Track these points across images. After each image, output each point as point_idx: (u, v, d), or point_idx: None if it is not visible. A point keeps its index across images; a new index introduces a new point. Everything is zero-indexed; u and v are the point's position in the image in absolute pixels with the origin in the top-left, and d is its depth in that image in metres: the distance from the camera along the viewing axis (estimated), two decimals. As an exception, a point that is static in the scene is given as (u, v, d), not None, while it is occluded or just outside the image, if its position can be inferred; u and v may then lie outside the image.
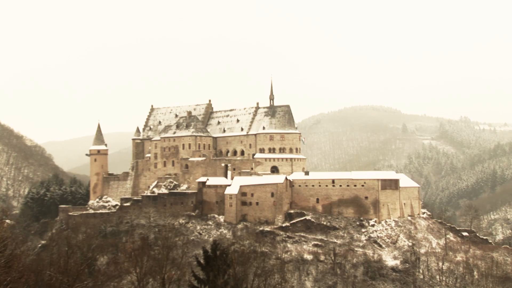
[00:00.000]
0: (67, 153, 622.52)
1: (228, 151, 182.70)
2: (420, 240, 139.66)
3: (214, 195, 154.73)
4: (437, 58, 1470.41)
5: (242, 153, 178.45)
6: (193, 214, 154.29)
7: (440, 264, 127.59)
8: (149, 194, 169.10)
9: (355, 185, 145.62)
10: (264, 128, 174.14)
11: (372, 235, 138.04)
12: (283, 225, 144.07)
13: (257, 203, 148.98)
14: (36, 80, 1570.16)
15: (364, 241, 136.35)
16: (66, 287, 58.01)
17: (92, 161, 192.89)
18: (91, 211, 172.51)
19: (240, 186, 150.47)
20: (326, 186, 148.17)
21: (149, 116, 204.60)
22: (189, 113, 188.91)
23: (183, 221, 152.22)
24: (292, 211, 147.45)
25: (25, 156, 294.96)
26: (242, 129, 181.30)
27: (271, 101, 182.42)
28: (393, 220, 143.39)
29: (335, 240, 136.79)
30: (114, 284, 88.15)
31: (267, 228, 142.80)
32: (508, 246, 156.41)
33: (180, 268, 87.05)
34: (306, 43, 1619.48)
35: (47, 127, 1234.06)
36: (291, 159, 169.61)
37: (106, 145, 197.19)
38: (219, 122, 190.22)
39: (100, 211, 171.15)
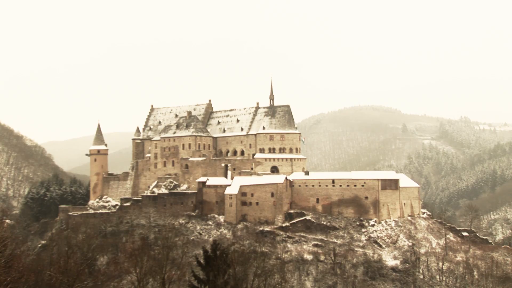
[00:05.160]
0: (67, 153, 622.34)
1: (228, 151, 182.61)
2: (420, 240, 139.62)
3: (214, 195, 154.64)
4: (437, 58, 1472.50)
5: (242, 153, 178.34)
6: (193, 214, 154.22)
7: (440, 264, 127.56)
8: (149, 194, 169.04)
9: (355, 185, 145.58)
10: (264, 128, 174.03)
11: (372, 235, 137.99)
12: (283, 225, 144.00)
13: (257, 203, 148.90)
14: (36, 80, 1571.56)
15: (364, 241, 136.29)
16: (66, 287, 58.00)
17: (92, 161, 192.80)
18: (91, 211, 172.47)
19: (240, 186, 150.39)
20: (326, 186, 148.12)
21: (149, 116, 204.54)
22: (189, 113, 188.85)
23: (183, 221, 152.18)
24: (292, 211, 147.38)
25: (25, 156, 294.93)
26: (242, 129, 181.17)
27: (271, 101, 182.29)
28: (393, 220, 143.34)
29: (335, 240, 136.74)
30: (114, 284, 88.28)
31: (267, 228, 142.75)
32: (508, 246, 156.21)
33: (180, 268, 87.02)
34: (306, 43, 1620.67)
35: (47, 127, 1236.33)
36: (291, 159, 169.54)
37: (106, 145, 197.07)
38: (219, 122, 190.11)
39: (100, 211, 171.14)
